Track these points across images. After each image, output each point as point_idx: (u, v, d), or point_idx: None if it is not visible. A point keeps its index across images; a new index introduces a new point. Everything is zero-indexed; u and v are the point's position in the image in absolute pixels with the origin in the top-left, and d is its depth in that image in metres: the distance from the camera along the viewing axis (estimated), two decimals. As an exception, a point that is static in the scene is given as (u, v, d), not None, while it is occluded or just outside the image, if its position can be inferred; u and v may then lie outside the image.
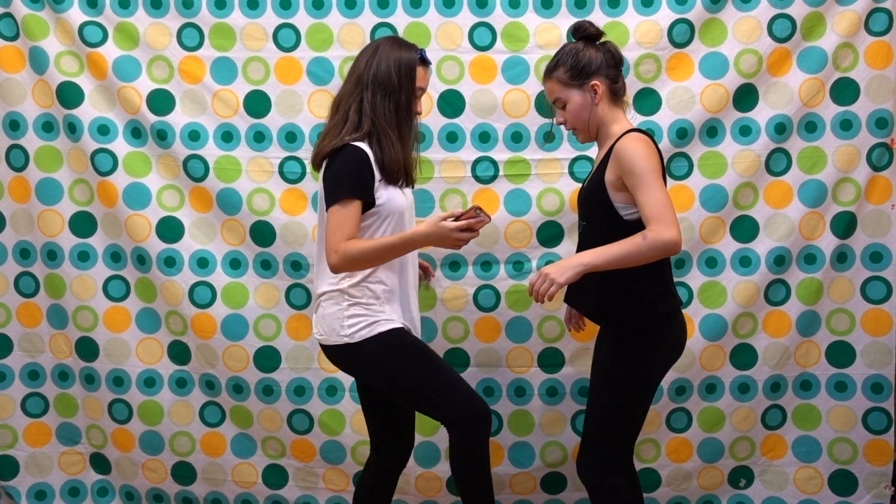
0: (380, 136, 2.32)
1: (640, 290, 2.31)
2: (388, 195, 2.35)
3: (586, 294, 2.40)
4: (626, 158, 2.23)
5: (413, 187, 2.50)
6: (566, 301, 2.60)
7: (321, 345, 2.45)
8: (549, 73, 2.40)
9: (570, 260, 2.22)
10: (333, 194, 2.29)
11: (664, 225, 2.16)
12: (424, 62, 2.40)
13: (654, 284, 2.34)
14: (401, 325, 2.39)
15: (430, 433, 3.05)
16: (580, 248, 2.42)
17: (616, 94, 2.38)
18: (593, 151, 2.94)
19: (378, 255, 2.29)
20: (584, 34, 2.39)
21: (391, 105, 2.33)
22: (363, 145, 2.31)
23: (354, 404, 2.97)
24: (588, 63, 2.34)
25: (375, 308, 2.36)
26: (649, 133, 2.36)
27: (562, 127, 2.46)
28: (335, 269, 2.30)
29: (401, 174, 2.37)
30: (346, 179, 2.29)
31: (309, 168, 2.96)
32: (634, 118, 2.87)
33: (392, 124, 2.33)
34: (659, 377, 2.39)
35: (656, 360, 2.36)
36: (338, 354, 2.41)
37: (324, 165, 2.36)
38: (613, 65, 2.38)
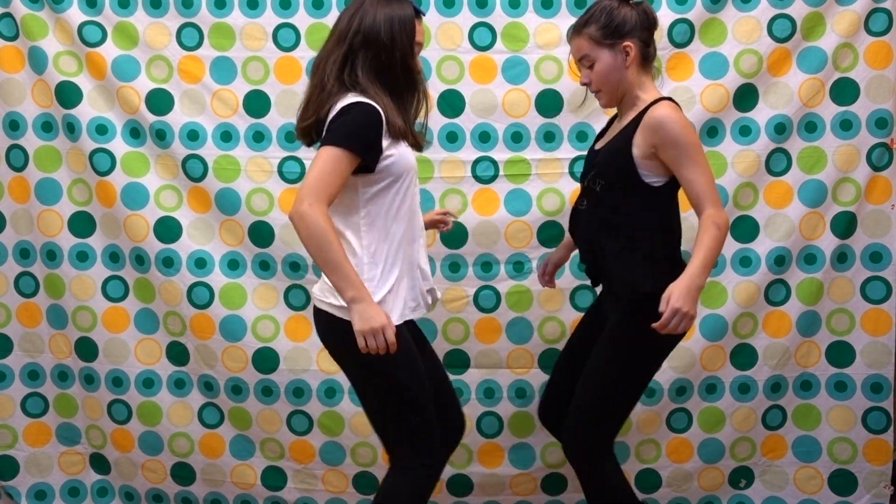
0: (373, 98, 2.09)
1: (660, 260, 2.25)
2: (400, 151, 2.13)
3: (600, 264, 2.32)
4: (668, 130, 2.15)
5: (420, 152, 2.29)
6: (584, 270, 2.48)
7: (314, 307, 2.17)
8: (580, 29, 2.28)
9: (689, 288, 2.07)
10: (335, 139, 2.02)
11: (718, 207, 2.13)
12: (419, 14, 2.19)
13: (673, 256, 2.29)
14: (403, 321, 2.16)
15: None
16: (592, 202, 2.30)
17: (646, 59, 2.29)
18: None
19: (325, 258, 2.02)
20: None
21: (381, 65, 2.10)
22: (373, 102, 2.07)
23: (354, 406, 2.96)
24: (622, 22, 2.24)
25: (388, 279, 2.12)
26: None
27: (586, 88, 2.35)
28: (291, 217, 2.03)
29: (405, 137, 2.14)
30: (353, 130, 2.03)
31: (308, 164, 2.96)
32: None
33: (383, 86, 2.11)
34: (667, 351, 2.32)
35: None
36: (324, 321, 2.15)
37: (326, 127, 2.09)
38: (647, 27, 2.27)
